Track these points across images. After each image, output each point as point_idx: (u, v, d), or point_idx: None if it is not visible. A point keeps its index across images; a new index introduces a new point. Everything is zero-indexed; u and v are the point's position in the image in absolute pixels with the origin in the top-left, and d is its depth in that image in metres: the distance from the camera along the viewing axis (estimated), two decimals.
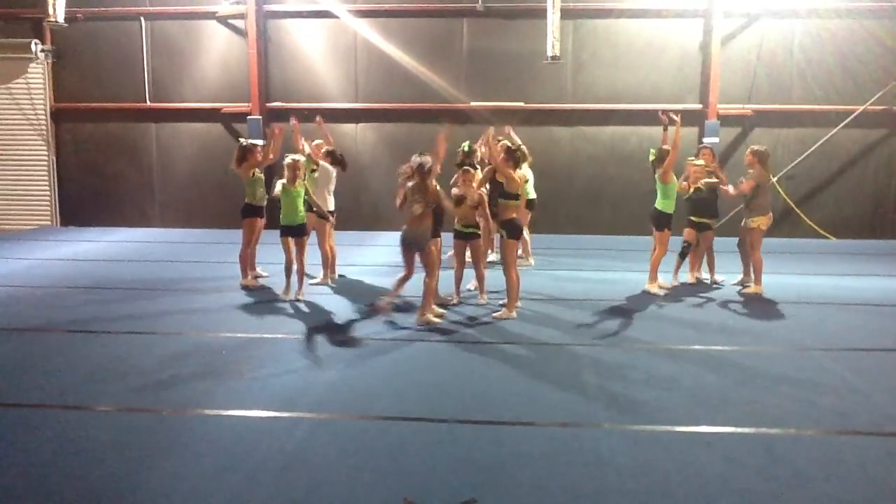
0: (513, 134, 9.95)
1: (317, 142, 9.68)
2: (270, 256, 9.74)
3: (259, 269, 9.58)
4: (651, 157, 8.95)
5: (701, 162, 9.27)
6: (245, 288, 9.05)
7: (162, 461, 4.24)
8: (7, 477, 4.06)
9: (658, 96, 14.29)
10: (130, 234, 14.26)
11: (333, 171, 9.32)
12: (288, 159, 8.42)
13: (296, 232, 8.48)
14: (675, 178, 8.81)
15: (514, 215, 7.63)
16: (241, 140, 9.57)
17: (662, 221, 8.83)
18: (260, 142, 9.86)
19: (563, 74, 14.41)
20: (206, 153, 15.13)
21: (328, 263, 9.39)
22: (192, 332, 7.12)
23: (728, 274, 9.56)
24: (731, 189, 9.07)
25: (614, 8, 14.23)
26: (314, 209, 8.89)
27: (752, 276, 8.97)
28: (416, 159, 7.19)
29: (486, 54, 14.57)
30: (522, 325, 7.41)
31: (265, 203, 9.24)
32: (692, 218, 9.18)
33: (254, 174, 9.04)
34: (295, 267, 8.46)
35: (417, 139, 14.06)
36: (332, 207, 9.31)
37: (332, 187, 9.36)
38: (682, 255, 9.24)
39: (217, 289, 9.12)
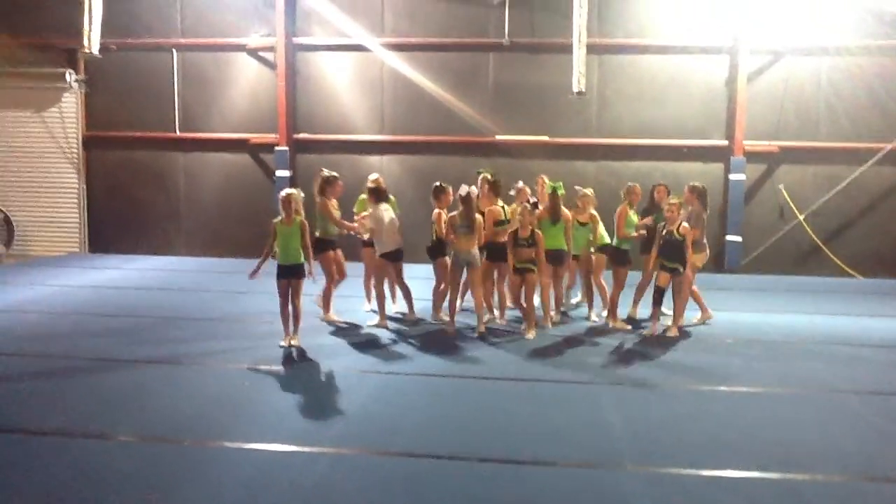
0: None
1: (373, 175, 9.30)
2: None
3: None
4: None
5: (677, 200, 8.55)
6: (328, 322, 8.86)
7: (181, 492, 4.24)
8: (25, 503, 4.07)
9: (683, 132, 14.29)
10: (156, 262, 14.42)
11: (382, 211, 8.76)
12: (282, 193, 7.80)
13: (293, 273, 7.73)
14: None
15: (503, 239, 8.53)
16: (324, 171, 8.92)
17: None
18: (335, 174, 8.98)
19: (588, 109, 14.46)
20: (233, 183, 15.33)
21: (401, 297, 9.41)
22: (214, 363, 7.15)
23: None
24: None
25: (639, 44, 14.28)
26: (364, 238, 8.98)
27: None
28: (464, 188, 8.24)
29: (512, 88, 14.67)
30: (545, 363, 7.36)
31: (336, 234, 8.82)
32: (666, 263, 8.51)
33: (331, 207, 8.66)
34: (291, 311, 7.81)
35: (442, 172, 14.09)
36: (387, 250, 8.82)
37: (386, 226, 8.73)
38: (658, 303, 8.64)
39: (240, 319, 9.16)
